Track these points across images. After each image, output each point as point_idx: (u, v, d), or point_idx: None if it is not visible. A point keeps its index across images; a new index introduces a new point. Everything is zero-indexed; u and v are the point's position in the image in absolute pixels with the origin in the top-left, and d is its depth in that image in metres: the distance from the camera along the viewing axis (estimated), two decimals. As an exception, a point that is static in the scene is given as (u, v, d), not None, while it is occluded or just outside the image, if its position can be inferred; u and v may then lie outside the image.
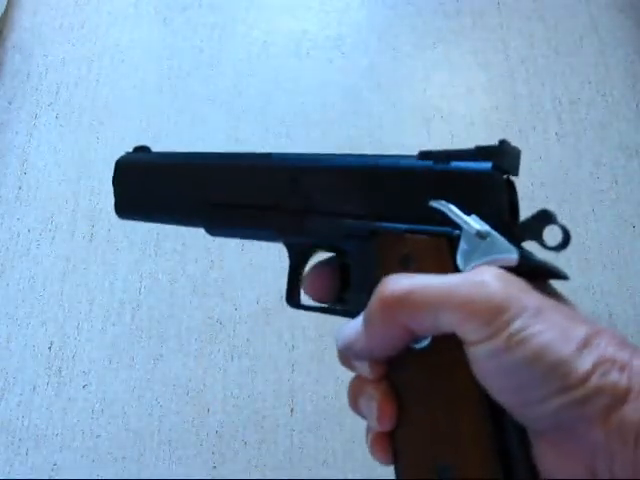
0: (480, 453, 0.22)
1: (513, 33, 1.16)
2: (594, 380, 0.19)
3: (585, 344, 0.19)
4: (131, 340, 0.90)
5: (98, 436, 0.85)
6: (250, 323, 0.91)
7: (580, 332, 0.20)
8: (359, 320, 0.25)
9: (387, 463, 0.26)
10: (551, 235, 0.23)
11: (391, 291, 0.23)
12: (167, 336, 0.91)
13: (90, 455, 0.84)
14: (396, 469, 0.25)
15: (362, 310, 0.26)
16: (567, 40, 1.15)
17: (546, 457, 0.21)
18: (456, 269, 0.24)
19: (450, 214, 0.24)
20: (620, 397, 0.18)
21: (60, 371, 0.89)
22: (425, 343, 0.23)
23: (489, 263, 0.23)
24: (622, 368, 0.19)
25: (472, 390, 0.22)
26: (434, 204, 0.25)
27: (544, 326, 0.20)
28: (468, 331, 0.21)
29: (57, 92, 1.12)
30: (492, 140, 0.26)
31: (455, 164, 0.25)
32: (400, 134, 1.05)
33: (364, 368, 0.27)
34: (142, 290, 0.94)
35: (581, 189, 1.00)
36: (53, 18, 1.20)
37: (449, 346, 0.22)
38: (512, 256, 0.23)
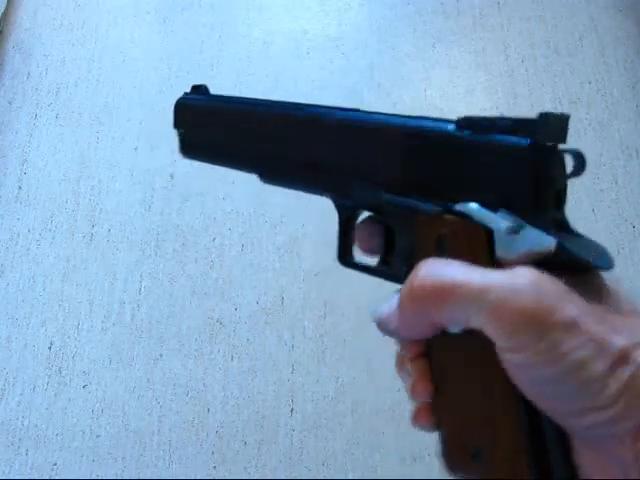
0: (511, 439, 0.22)
1: (513, 33, 1.16)
2: (625, 400, 0.18)
3: (620, 360, 0.19)
4: (131, 340, 0.90)
5: (98, 436, 0.85)
6: (250, 323, 0.91)
7: (616, 345, 0.19)
8: (395, 301, 0.24)
9: (429, 431, 0.26)
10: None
11: (421, 284, 0.22)
12: (167, 336, 0.91)
13: (90, 455, 0.84)
14: (439, 438, 0.26)
15: (403, 280, 0.25)
16: (567, 40, 1.15)
17: (582, 457, 0.20)
18: (491, 258, 0.23)
19: (475, 216, 0.23)
20: None
21: (60, 371, 0.89)
22: (458, 329, 0.23)
23: (526, 255, 0.22)
24: None
25: (505, 380, 0.22)
26: (458, 207, 0.24)
27: (578, 342, 0.19)
28: (498, 338, 0.20)
29: (57, 92, 1.12)
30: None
31: (492, 137, 0.23)
32: (400, 134, 1.04)
33: (401, 345, 0.26)
34: (142, 290, 0.94)
35: (581, 189, 1.00)
36: (53, 18, 1.20)
37: (483, 336, 0.22)
38: (548, 246, 0.21)
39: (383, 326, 0.25)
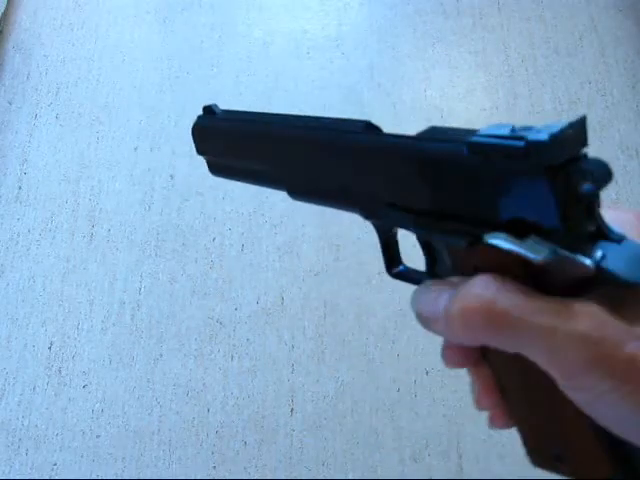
0: (591, 440, 0.22)
1: (513, 33, 1.16)
2: None
3: None
4: (131, 340, 0.90)
5: (98, 436, 0.85)
6: (250, 323, 0.91)
7: None
8: (441, 301, 0.23)
9: (506, 428, 0.26)
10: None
11: (476, 310, 0.21)
12: (167, 336, 0.91)
13: (90, 455, 0.84)
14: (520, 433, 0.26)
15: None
16: (567, 40, 1.15)
17: None
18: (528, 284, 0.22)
19: (504, 247, 0.22)
20: None
21: (60, 371, 0.89)
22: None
23: (566, 275, 0.20)
24: None
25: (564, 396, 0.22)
26: (487, 239, 0.23)
27: (634, 386, 0.18)
28: (556, 376, 0.20)
29: (57, 92, 1.12)
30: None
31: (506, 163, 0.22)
32: (400, 134, 1.04)
33: (447, 364, 0.26)
34: (142, 290, 0.94)
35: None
36: (53, 18, 1.20)
37: None
38: (585, 270, 0.20)
39: (424, 323, 0.24)
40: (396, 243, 0.30)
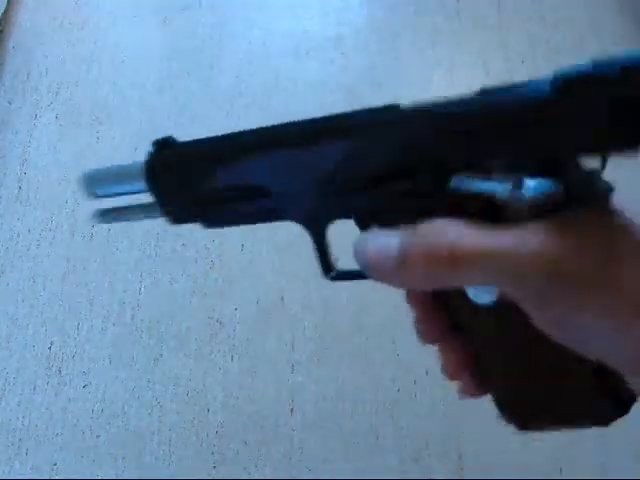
0: (580, 377, 0.22)
1: (513, 33, 1.16)
2: None
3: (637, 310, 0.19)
4: (131, 340, 0.90)
5: (98, 436, 0.85)
6: (250, 323, 0.91)
7: (630, 287, 0.19)
8: (392, 244, 0.22)
9: (479, 396, 0.26)
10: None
11: (438, 246, 0.21)
12: (167, 336, 0.91)
13: (90, 455, 0.84)
14: (496, 402, 0.26)
15: None
16: (567, 40, 1.15)
17: (628, 379, 0.21)
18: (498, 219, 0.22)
19: (473, 188, 0.22)
20: None
21: (60, 371, 0.89)
22: (489, 300, 0.23)
23: (536, 204, 0.21)
24: None
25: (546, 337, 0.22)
26: (452, 184, 0.23)
27: (604, 291, 0.19)
28: (521, 300, 0.20)
29: (57, 92, 1.12)
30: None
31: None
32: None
33: (421, 339, 0.26)
34: (142, 290, 0.94)
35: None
36: (53, 18, 1.20)
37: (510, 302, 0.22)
38: (557, 192, 0.21)
39: (372, 268, 0.23)
40: (328, 245, 0.30)
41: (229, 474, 0.82)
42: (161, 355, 0.89)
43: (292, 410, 0.85)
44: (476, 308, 0.23)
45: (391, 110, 0.26)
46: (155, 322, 0.92)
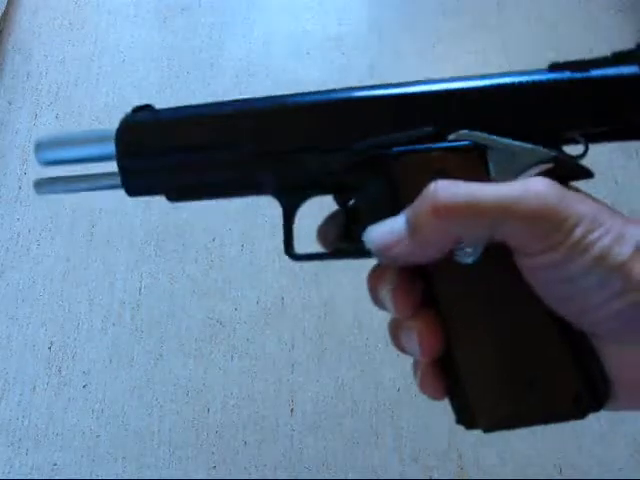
0: (560, 358, 0.22)
1: (513, 33, 1.16)
2: None
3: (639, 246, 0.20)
4: (131, 340, 0.90)
5: (98, 436, 0.85)
6: (250, 323, 0.91)
7: (635, 233, 0.20)
8: (398, 223, 0.23)
9: (439, 397, 0.25)
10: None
11: (446, 198, 0.21)
12: (167, 336, 0.91)
13: (90, 455, 0.84)
14: (460, 396, 0.24)
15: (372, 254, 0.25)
16: (567, 40, 1.15)
17: (608, 360, 0.22)
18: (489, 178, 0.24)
19: (475, 138, 0.24)
20: None
21: (60, 371, 0.89)
22: (473, 258, 0.23)
23: (528, 173, 0.23)
24: None
25: (533, 297, 0.22)
26: (453, 137, 0.24)
27: (602, 231, 0.20)
28: (528, 243, 0.21)
29: (57, 92, 1.12)
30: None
31: (596, 72, 0.24)
32: (400, 134, 1.05)
33: (393, 307, 0.25)
34: (142, 290, 0.94)
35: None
36: (53, 18, 1.20)
37: (501, 256, 0.22)
38: (548, 162, 0.23)
39: (386, 251, 0.24)
40: (294, 221, 0.31)
41: (229, 474, 0.82)
42: (161, 355, 0.89)
43: (292, 410, 0.85)
44: (458, 272, 0.23)
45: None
46: (155, 322, 0.92)
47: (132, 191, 0.31)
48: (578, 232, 0.20)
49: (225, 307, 0.92)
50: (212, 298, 0.93)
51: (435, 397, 0.25)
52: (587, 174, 0.25)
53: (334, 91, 0.30)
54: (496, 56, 1.14)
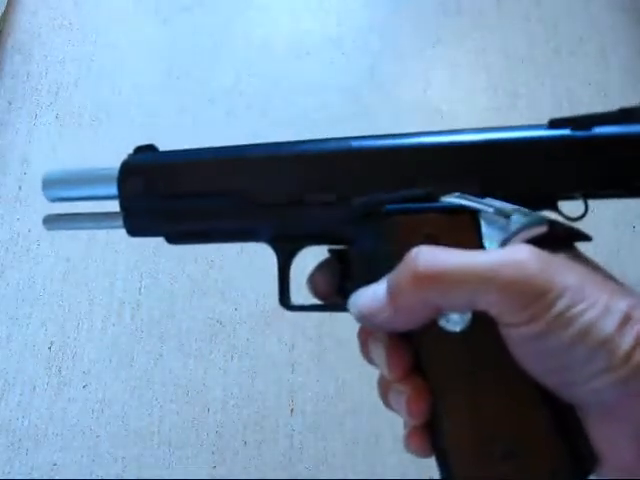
0: (541, 431, 0.22)
1: (513, 33, 1.16)
2: (637, 357, 0.19)
3: (626, 319, 0.19)
4: (131, 340, 0.90)
5: (98, 436, 0.85)
6: (250, 323, 0.91)
7: (621, 306, 0.19)
8: (380, 290, 0.23)
9: (425, 456, 0.25)
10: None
11: (426, 266, 0.21)
12: (167, 336, 0.91)
13: (90, 455, 0.84)
14: (443, 458, 0.24)
15: None
16: (567, 40, 1.15)
17: (595, 433, 0.21)
18: (481, 247, 0.23)
19: (465, 203, 0.23)
20: None
21: (60, 371, 0.89)
22: (461, 326, 0.22)
23: (520, 238, 0.22)
24: None
25: (518, 368, 0.21)
26: (445, 200, 0.24)
27: (586, 304, 0.19)
28: (508, 313, 0.20)
29: (57, 92, 1.12)
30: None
31: (599, 129, 0.23)
32: (400, 134, 1.04)
33: (383, 369, 0.26)
34: (142, 290, 0.94)
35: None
36: (53, 18, 1.20)
37: (488, 325, 0.22)
38: (541, 227, 0.22)
39: (368, 318, 0.24)
40: (289, 271, 0.32)
41: (229, 474, 0.82)
42: (161, 355, 0.89)
43: (292, 410, 0.85)
44: (444, 340, 0.23)
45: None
46: (155, 322, 0.92)
47: (133, 232, 0.32)
48: (560, 304, 0.19)
49: (225, 307, 0.92)
50: (212, 298, 0.93)
51: (421, 455, 0.25)
52: (584, 238, 0.24)
53: (335, 140, 0.29)
54: (496, 56, 1.14)
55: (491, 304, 0.21)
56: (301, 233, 0.30)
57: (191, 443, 0.84)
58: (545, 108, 1.09)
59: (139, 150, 0.34)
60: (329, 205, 0.27)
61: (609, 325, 0.19)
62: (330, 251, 0.31)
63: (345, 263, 0.30)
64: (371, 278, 0.25)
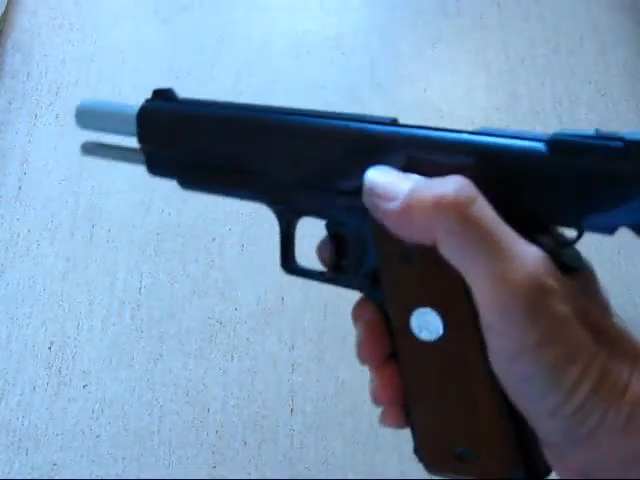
0: (501, 437, 0.22)
1: (513, 33, 1.16)
2: (587, 407, 0.19)
3: (594, 367, 0.19)
4: (131, 340, 0.90)
5: (98, 436, 0.85)
6: (250, 323, 0.91)
7: (591, 350, 0.19)
8: (403, 187, 0.22)
9: (399, 427, 0.26)
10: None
11: (452, 199, 0.20)
12: (167, 336, 0.91)
13: (90, 455, 0.84)
14: (414, 438, 0.25)
15: (358, 286, 0.27)
16: (567, 40, 1.15)
17: (548, 453, 0.21)
18: None
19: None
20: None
21: (60, 371, 0.89)
22: (435, 337, 0.23)
23: None
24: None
25: (486, 380, 0.22)
26: None
27: (561, 351, 0.19)
28: (488, 306, 0.20)
29: (57, 92, 1.12)
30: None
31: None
32: (400, 134, 1.04)
33: (360, 359, 0.26)
34: (142, 290, 0.94)
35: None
36: (53, 18, 1.20)
37: (463, 337, 0.22)
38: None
39: (375, 196, 0.23)
40: (294, 237, 0.32)
41: (229, 474, 0.82)
42: (161, 355, 0.89)
43: (292, 410, 0.85)
44: (419, 346, 0.24)
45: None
46: (155, 322, 0.92)
47: (152, 172, 0.33)
48: (536, 334, 0.19)
49: (225, 307, 0.92)
50: (212, 298, 0.93)
51: (395, 426, 0.26)
52: (573, 270, 0.23)
53: (321, 120, 0.28)
54: (496, 56, 1.14)
55: (477, 280, 0.20)
56: (301, 209, 0.31)
57: (191, 443, 0.84)
58: (545, 108, 1.09)
59: (157, 95, 0.35)
60: (319, 190, 0.28)
61: (575, 371, 0.19)
62: (326, 227, 0.32)
63: (339, 240, 0.30)
64: (362, 257, 0.26)
